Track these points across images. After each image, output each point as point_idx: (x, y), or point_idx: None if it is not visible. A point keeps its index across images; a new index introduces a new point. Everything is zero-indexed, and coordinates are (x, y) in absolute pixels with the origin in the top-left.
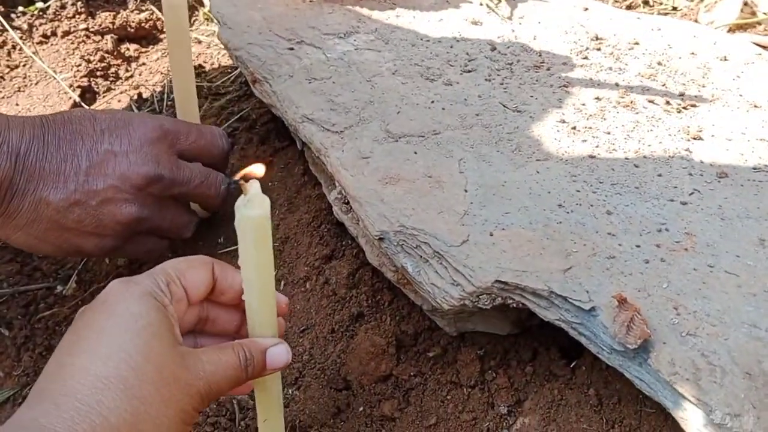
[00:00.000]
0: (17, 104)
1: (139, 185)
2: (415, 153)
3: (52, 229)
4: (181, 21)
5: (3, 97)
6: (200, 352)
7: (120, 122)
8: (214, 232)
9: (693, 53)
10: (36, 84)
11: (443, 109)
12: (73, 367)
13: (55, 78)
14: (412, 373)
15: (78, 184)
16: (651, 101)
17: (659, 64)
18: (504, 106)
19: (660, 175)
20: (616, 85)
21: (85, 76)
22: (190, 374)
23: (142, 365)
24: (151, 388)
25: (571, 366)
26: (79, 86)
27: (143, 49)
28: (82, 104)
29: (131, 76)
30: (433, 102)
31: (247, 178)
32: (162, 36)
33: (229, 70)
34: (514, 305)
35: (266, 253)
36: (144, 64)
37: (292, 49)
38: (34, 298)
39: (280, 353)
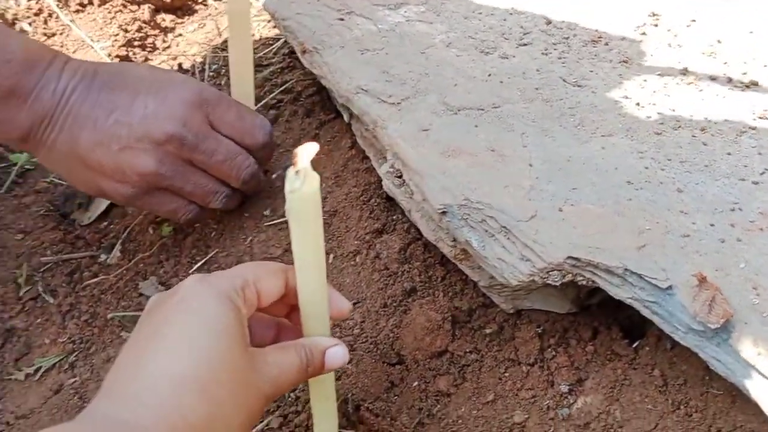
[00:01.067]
0: None
1: (158, 140)
2: (476, 126)
3: (79, 166)
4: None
5: None
6: (266, 353)
7: (162, 82)
8: (260, 204)
9: (751, 32)
10: (73, 53)
11: (501, 82)
12: (154, 364)
13: (92, 47)
14: (467, 350)
15: (105, 128)
16: (713, 79)
17: (718, 41)
18: (564, 80)
19: (729, 154)
20: (677, 62)
21: (123, 45)
22: (259, 377)
23: (218, 368)
24: (225, 392)
25: (634, 346)
26: (117, 56)
27: (179, 20)
28: None
29: (168, 47)
30: (490, 75)
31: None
32: (197, 7)
33: (271, 42)
34: (584, 282)
35: (320, 235)
36: (180, 35)
37: (342, 19)
38: (78, 266)
39: (338, 354)
